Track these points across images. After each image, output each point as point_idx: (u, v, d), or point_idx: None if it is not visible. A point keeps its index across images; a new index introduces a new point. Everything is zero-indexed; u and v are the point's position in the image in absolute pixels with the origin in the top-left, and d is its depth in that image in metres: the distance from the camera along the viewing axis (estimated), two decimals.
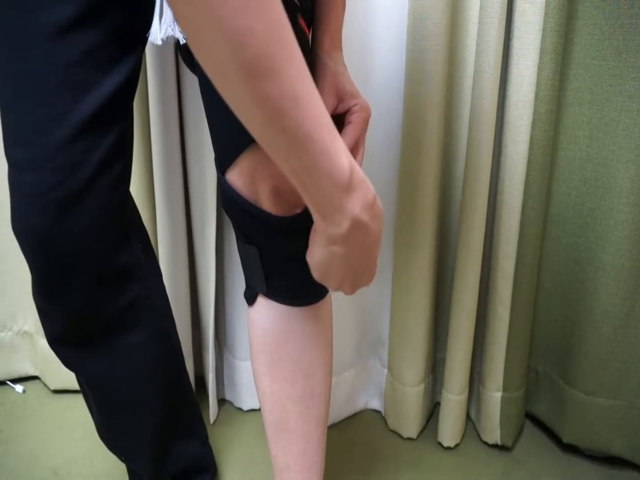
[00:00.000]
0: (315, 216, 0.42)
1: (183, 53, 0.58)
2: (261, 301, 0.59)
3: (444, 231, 0.95)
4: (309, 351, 0.60)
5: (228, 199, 0.55)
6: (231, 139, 0.52)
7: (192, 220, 0.95)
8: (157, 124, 0.85)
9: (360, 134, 0.58)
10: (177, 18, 0.33)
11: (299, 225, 0.54)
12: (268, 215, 0.53)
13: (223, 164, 0.53)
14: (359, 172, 0.41)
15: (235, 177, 0.52)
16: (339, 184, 0.38)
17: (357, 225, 0.41)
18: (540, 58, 0.79)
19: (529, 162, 0.83)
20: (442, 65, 0.80)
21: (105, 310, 0.60)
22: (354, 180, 0.39)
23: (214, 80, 0.35)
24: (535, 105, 0.81)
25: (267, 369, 0.61)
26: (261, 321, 0.60)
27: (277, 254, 0.56)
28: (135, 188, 0.89)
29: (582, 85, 0.83)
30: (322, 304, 0.61)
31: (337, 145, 0.38)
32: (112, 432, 0.70)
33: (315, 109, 0.36)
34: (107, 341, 0.62)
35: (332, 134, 0.38)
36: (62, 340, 0.61)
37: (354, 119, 0.57)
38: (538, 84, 0.80)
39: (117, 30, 0.53)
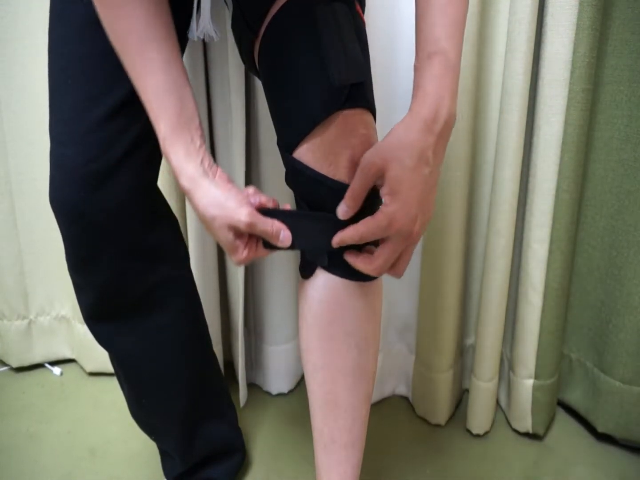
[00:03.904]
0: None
1: (244, 57, 0.60)
2: (319, 274, 0.58)
3: (474, 215, 0.93)
4: (363, 326, 0.60)
5: (297, 173, 0.54)
6: (302, 117, 0.52)
7: None
8: None
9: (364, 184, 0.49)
10: None
11: (370, 193, 0.53)
12: (342, 185, 0.52)
13: (293, 141, 0.54)
14: None
15: (304, 152, 0.53)
16: None
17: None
18: (576, 34, 0.76)
19: (564, 144, 0.80)
20: (471, 45, 0.78)
21: (134, 286, 0.63)
22: None
23: None
24: (571, 84, 0.78)
25: (320, 342, 0.60)
26: (318, 294, 0.59)
27: (343, 224, 0.55)
28: (168, 178, 0.90)
29: (621, 62, 0.79)
30: (377, 279, 0.61)
31: None
32: (142, 410, 0.72)
33: None
34: (137, 319, 0.65)
35: None
36: (94, 315, 0.64)
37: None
38: (573, 62, 0.77)
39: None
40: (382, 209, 0.48)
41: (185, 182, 0.49)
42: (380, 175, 0.47)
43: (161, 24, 0.49)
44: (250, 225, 0.49)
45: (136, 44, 0.48)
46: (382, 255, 0.49)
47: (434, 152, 0.46)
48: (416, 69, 0.48)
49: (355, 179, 0.49)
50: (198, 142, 0.51)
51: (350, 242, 0.50)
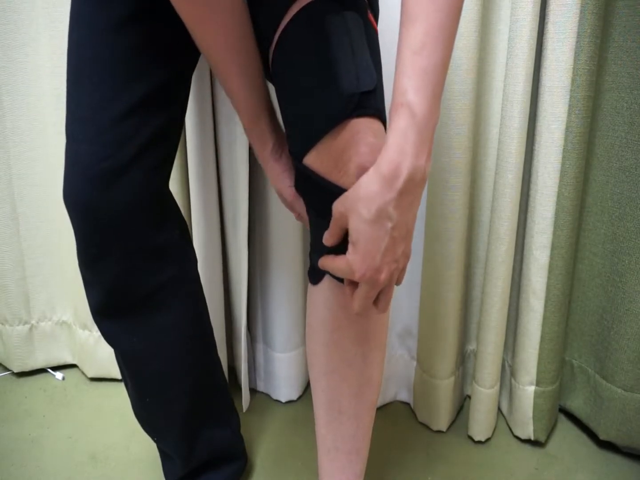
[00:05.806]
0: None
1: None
2: (327, 280, 0.59)
3: (475, 221, 0.93)
4: (370, 335, 0.60)
5: (306, 180, 0.55)
6: (311, 126, 0.53)
7: (224, 215, 0.96)
8: (192, 122, 0.87)
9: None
10: None
11: None
12: None
13: (302, 149, 0.55)
14: None
15: (313, 159, 0.53)
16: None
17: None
18: (577, 42, 0.76)
19: (565, 150, 0.81)
20: (473, 52, 0.78)
21: (141, 285, 0.64)
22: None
23: None
24: (572, 91, 0.78)
25: (325, 348, 0.61)
26: (325, 300, 0.59)
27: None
28: (171, 183, 0.91)
29: (622, 70, 0.79)
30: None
31: None
32: (145, 410, 0.72)
33: None
34: (142, 318, 0.66)
35: None
36: (102, 312, 0.65)
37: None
38: (574, 69, 0.77)
39: (172, 28, 0.58)
40: (347, 255, 0.49)
41: (260, 161, 0.65)
42: (346, 222, 0.48)
43: (239, 36, 0.56)
44: (291, 203, 0.63)
45: (219, 53, 0.56)
46: (356, 297, 0.51)
47: (395, 208, 0.45)
48: (389, 117, 0.47)
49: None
50: (270, 128, 0.62)
51: (324, 269, 0.54)
